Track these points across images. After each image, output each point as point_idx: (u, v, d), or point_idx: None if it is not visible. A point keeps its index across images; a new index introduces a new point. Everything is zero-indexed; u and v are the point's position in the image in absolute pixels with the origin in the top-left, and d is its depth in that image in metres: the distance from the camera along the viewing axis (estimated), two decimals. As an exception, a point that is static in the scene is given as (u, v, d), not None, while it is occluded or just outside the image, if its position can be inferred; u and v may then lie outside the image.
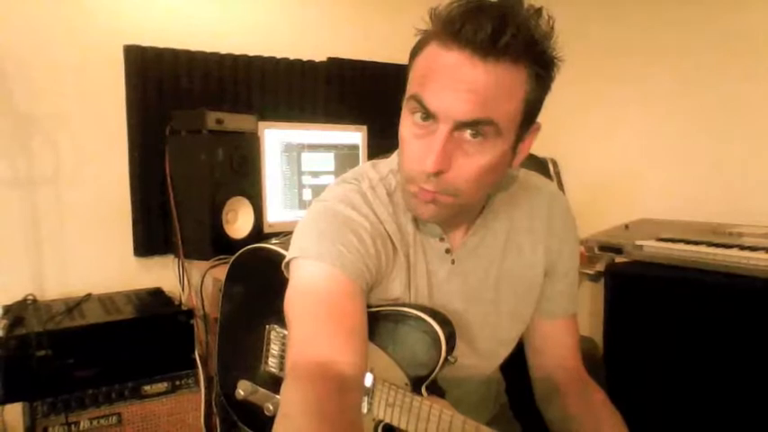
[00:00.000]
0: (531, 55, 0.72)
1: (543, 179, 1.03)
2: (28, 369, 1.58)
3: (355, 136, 2.43)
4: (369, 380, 0.84)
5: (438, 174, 0.75)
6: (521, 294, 0.97)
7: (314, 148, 2.32)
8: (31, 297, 1.92)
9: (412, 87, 0.77)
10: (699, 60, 2.35)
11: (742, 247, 1.70)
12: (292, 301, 0.81)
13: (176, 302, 1.98)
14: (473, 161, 0.75)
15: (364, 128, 2.44)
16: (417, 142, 0.77)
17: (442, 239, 0.90)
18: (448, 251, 0.91)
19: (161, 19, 2.18)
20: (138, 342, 1.76)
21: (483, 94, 0.71)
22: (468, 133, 0.74)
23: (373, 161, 0.98)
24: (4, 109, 1.95)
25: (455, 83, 0.72)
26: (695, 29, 2.37)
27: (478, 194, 0.83)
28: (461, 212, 0.85)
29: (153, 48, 2.12)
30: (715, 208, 2.25)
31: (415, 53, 0.79)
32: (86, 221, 2.11)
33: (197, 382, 1.88)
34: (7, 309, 1.82)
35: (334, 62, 2.53)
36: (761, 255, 1.63)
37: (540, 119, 0.81)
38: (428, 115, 0.75)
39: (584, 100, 2.71)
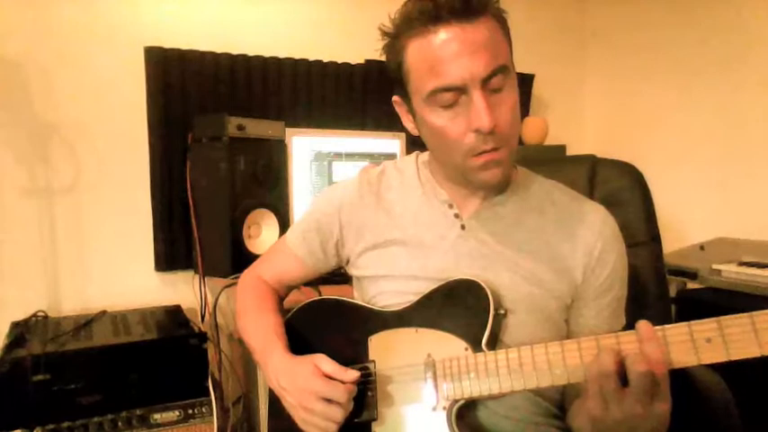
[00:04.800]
0: (494, 7, 0.84)
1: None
2: (23, 395, 1.46)
3: (393, 144, 2.24)
4: (429, 365, 0.86)
5: (492, 130, 0.81)
6: (537, 258, 0.93)
7: (347, 156, 2.15)
8: (41, 314, 1.82)
9: (426, 86, 0.84)
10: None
11: None
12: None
13: (194, 323, 1.83)
14: (507, 102, 0.84)
15: (402, 135, 2.25)
16: (458, 119, 0.83)
17: (450, 205, 0.98)
18: (457, 216, 0.97)
19: (184, 20, 2.08)
20: (146, 366, 1.62)
21: (487, 46, 0.80)
22: (492, 84, 0.82)
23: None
24: (22, 116, 1.88)
25: (462, 49, 0.80)
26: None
27: (516, 142, 0.89)
28: (505, 173, 0.90)
29: (175, 49, 2.00)
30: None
31: (399, 63, 0.87)
32: (106, 233, 2.02)
33: (211, 411, 1.72)
34: (15, 325, 1.72)
35: (372, 65, 2.35)
36: None
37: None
38: (454, 93, 0.82)
39: (658, 104, 2.54)
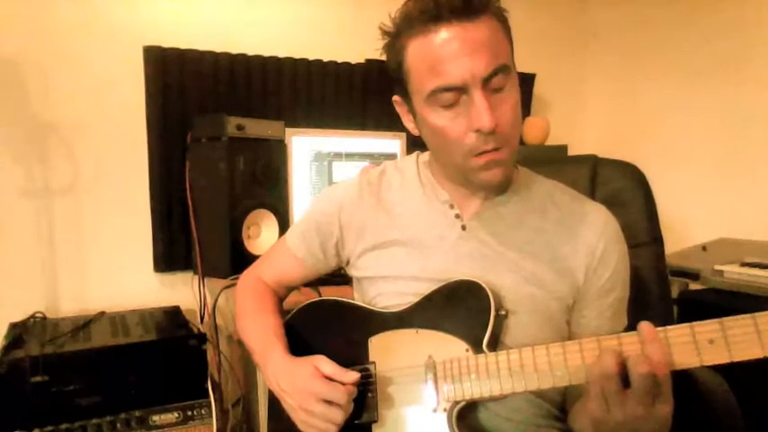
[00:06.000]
0: (495, 6, 0.84)
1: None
2: (21, 396, 1.45)
3: (393, 144, 2.23)
4: (430, 366, 0.86)
5: (493, 130, 0.80)
6: (538, 258, 0.92)
7: (347, 156, 2.14)
8: (39, 314, 1.81)
9: (426, 86, 0.83)
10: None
11: None
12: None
13: (193, 324, 1.83)
14: (508, 101, 0.83)
15: (403, 135, 2.24)
16: (459, 119, 0.83)
17: (451, 206, 0.97)
18: (458, 216, 0.96)
19: (183, 19, 2.06)
20: (145, 368, 1.61)
21: (488, 46, 0.80)
22: (493, 83, 0.81)
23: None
24: (20, 115, 1.87)
25: (463, 49, 0.79)
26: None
27: (517, 141, 0.88)
28: (506, 174, 0.89)
29: (174, 49, 1.99)
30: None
31: (400, 63, 0.87)
32: (105, 234, 2.01)
33: (210, 413, 1.71)
34: (13, 326, 1.71)
35: (372, 64, 2.34)
36: None
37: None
38: (455, 93, 0.81)
39: (660, 104, 2.54)
